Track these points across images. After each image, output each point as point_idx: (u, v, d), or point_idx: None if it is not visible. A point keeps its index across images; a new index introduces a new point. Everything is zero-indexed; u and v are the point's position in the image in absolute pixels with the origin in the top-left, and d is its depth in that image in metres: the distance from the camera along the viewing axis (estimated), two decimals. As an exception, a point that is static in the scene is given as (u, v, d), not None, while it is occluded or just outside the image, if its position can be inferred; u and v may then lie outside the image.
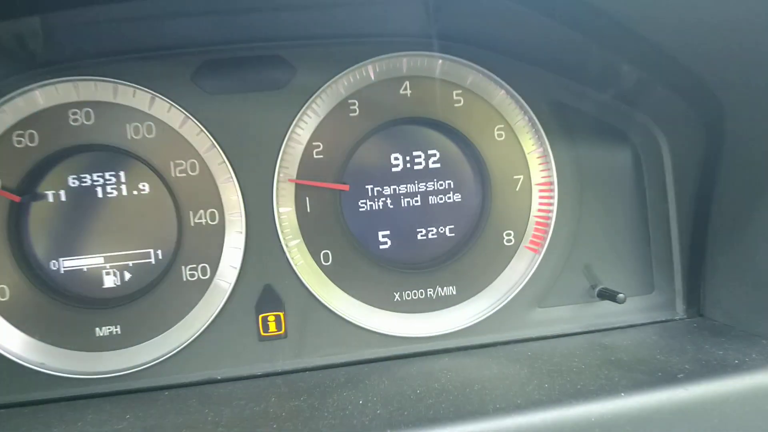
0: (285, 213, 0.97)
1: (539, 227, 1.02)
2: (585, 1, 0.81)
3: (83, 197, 0.96)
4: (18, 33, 0.87)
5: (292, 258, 0.97)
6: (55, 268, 0.96)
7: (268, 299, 0.97)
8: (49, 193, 0.95)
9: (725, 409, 0.77)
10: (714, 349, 0.87)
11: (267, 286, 0.97)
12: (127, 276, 0.97)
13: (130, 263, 0.97)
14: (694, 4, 0.76)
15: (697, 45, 0.86)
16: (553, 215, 1.01)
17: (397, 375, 0.89)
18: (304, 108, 0.97)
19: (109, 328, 0.95)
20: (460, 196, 1.03)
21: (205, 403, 0.85)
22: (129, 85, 0.94)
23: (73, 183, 0.96)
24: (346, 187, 0.98)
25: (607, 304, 1.01)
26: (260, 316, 0.97)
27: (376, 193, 1.01)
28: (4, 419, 0.85)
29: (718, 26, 0.79)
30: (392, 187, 1.01)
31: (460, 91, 1.00)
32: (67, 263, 0.96)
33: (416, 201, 1.02)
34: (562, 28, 0.92)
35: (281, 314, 0.97)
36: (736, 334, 0.92)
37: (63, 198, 0.96)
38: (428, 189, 1.02)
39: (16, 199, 0.92)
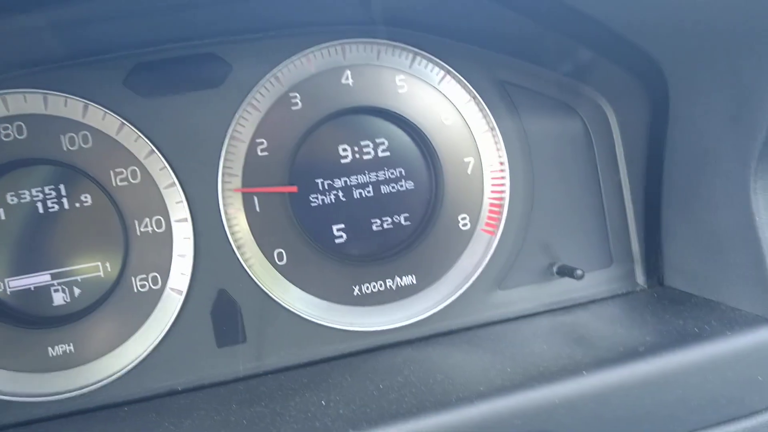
0: (233, 215, 0.95)
1: (493, 209, 1.01)
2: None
3: (24, 214, 0.93)
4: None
5: (245, 260, 0.95)
6: (1, 290, 0.92)
7: (223, 304, 0.95)
8: (-12, 213, 0.92)
9: (688, 380, 0.77)
10: (674, 319, 0.87)
11: (221, 291, 0.95)
12: (77, 291, 0.94)
13: (79, 278, 0.94)
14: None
15: (642, 20, 0.85)
16: (507, 196, 1.01)
17: (360, 371, 0.88)
18: (243, 105, 0.94)
19: (62, 347, 0.92)
20: (412, 184, 1.01)
21: (165, 416, 0.83)
22: (59, 95, 0.90)
23: (12, 200, 0.92)
24: (294, 189, 0.96)
25: (568, 281, 1.01)
26: (216, 322, 0.95)
27: (326, 187, 0.99)
28: None
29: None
30: (342, 179, 0.99)
31: (402, 77, 0.98)
32: (13, 283, 0.93)
33: (368, 192, 1.00)
34: (503, 8, 0.90)
35: (238, 318, 0.95)
36: (696, 302, 0.92)
37: (2, 216, 0.92)
38: (379, 178, 1.00)
39: None
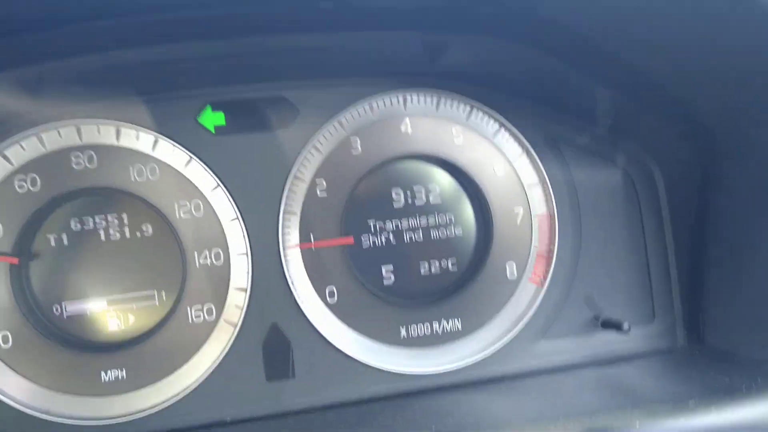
0: (290, 251, 0.98)
1: (541, 259, 1.03)
2: (571, 30, 0.84)
3: (86, 240, 0.95)
4: (20, 79, 0.87)
5: (298, 296, 0.97)
6: (58, 313, 0.94)
7: (275, 338, 0.97)
8: (51, 237, 0.94)
9: (737, 435, 0.78)
10: (720, 376, 0.88)
11: (273, 325, 0.97)
12: (132, 318, 0.96)
13: (134, 306, 0.96)
14: (681, 29, 0.78)
15: (686, 73, 0.88)
16: (555, 247, 1.03)
17: (408, 413, 0.89)
18: (307, 147, 0.98)
19: (114, 372, 0.94)
20: (461, 230, 1.04)
21: (217, 446, 0.84)
22: (132, 127, 0.94)
23: (76, 227, 0.95)
24: (350, 241, 0.99)
25: (610, 334, 1.03)
26: (267, 356, 0.96)
27: (378, 229, 1.02)
28: None
29: (707, 52, 0.81)
30: (394, 222, 1.02)
31: (459, 128, 1.02)
32: (70, 307, 0.95)
33: (418, 236, 1.03)
34: (553, 61, 0.94)
35: (289, 353, 0.96)
36: (739, 360, 0.94)
37: (65, 242, 0.95)
38: (430, 223, 1.03)
39: (14, 261, 0.91)
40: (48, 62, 0.86)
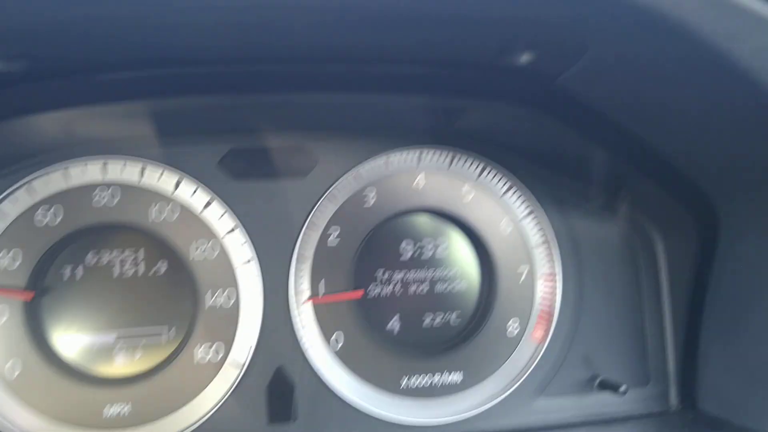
0: (300, 296, 1.00)
1: (543, 317, 1.06)
2: (586, 102, 0.88)
3: (99, 275, 0.97)
4: (54, 118, 0.90)
5: (305, 341, 0.99)
6: (66, 344, 0.96)
7: (280, 381, 0.98)
8: (66, 270, 0.96)
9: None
10: (714, 443, 0.90)
11: (279, 368, 0.98)
12: (139, 354, 0.97)
13: (142, 342, 0.97)
14: (700, 115, 0.83)
15: (695, 152, 0.93)
16: (557, 306, 1.06)
17: (407, 462, 0.91)
18: (324, 196, 1.01)
19: (118, 407, 0.95)
20: (466, 285, 1.07)
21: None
22: (157, 165, 0.97)
23: (91, 261, 0.97)
24: (359, 295, 1.01)
25: (605, 395, 1.05)
26: (271, 398, 0.98)
27: (386, 278, 1.04)
28: None
29: (721, 139, 0.86)
30: (402, 272, 1.05)
31: (469, 187, 1.05)
32: (79, 339, 0.96)
33: (424, 287, 1.05)
34: (564, 128, 0.98)
35: (292, 397, 0.98)
36: (732, 428, 0.96)
37: (79, 276, 0.97)
38: (435, 276, 1.06)
39: (27, 298, 0.93)
40: (81, 107, 0.89)
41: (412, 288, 1.05)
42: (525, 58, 0.77)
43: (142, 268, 0.98)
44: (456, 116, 1.00)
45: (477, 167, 1.06)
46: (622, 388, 1.00)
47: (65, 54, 0.72)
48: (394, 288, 1.04)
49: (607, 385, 1.03)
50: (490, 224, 1.06)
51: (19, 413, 0.93)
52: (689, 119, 0.86)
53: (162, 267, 0.98)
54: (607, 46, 0.72)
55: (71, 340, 0.96)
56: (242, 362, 0.97)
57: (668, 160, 0.97)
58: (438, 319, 1.05)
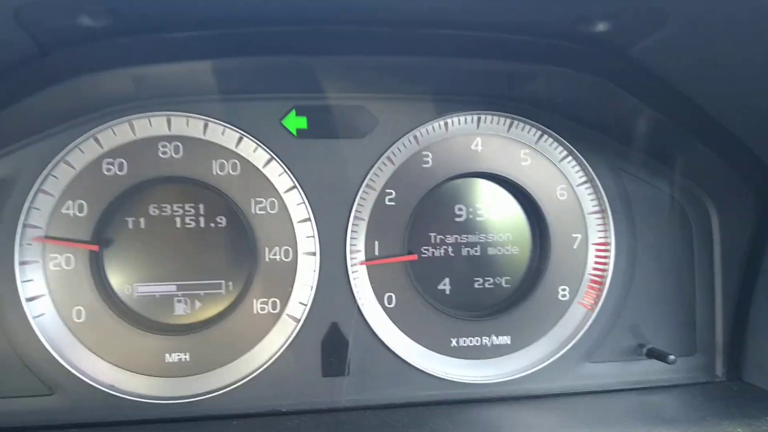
0: (355, 255, 1.02)
1: (594, 285, 1.07)
2: (654, 72, 0.87)
3: (162, 226, 1.00)
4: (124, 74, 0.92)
5: (360, 299, 1.01)
6: (128, 292, 0.99)
7: (334, 337, 1.01)
8: (130, 220, 0.99)
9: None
10: (761, 414, 0.91)
11: (333, 324, 1.01)
12: (198, 305, 1.00)
13: (202, 293, 1.00)
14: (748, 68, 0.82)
15: (756, 121, 0.92)
16: (609, 275, 1.06)
17: (459, 420, 0.93)
18: (382, 157, 1.02)
19: (178, 355, 0.98)
20: (517, 249, 1.08)
21: (276, 433, 0.89)
22: (219, 124, 0.98)
23: (154, 212, 0.99)
24: (414, 257, 1.03)
25: (652, 363, 1.06)
26: (325, 353, 1.00)
27: (439, 241, 1.06)
28: None
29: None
30: (454, 236, 1.06)
31: (527, 151, 1.06)
32: (141, 288, 0.99)
33: (476, 251, 1.06)
34: (627, 97, 0.97)
35: (346, 352, 1.00)
36: (777, 402, 0.97)
37: (142, 226, 0.99)
38: (488, 240, 1.07)
39: (95, 248, 0.96)
40: (148, 65, 0.91)
41: (464, 251, 1.06)
42: (601, 27, 0.76)
43: (202, 221, 1.00)
44: (519, 82, 0.99)
45: (536, 133, 1.05)
46: (671, 358, 1.01)
47: (146, 12, 0.73)
48: (446, 251, 1.06)
49: (655, 354, 1.04)
50: (546, 190, 1.06)
51: (84, 358, 0.96)
52: (759, 87, 0.84)
53: (222, 221, 1.01)
54: (687, 15, 0.71)
55: (133, 287, 0.99)
56: (298, 317, 1.00)
57: (730, 129, 0.96)
58: (488, 283, 1.07)
